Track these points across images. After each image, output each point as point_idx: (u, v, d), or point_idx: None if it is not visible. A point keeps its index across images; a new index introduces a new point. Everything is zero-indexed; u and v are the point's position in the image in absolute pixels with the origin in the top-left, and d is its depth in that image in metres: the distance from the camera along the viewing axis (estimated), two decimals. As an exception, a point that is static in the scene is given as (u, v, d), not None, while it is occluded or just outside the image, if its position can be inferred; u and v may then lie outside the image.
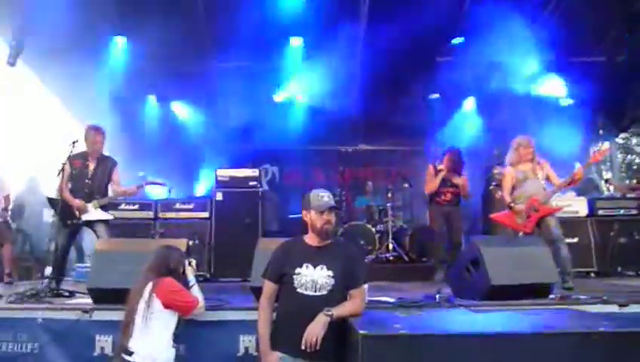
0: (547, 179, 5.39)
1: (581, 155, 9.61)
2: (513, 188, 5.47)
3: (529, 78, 8.72)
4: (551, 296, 4.30)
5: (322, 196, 3.12)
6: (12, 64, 6.96)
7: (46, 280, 4.96)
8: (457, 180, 6.69)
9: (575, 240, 6.99)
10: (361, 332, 2.55)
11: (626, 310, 3.95)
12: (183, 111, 9.81)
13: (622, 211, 7.36)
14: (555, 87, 9.09)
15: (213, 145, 9.77)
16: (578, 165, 5.41)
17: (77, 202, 5.12)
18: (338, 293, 3.01)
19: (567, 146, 8.90)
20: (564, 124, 9.03)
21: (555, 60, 8.34)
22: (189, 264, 3.63)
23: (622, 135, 15.10)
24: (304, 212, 3.18)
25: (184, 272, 3.53)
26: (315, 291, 2.99)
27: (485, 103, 9.41)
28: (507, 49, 7.90)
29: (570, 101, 9.33)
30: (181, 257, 3.54)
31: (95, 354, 3.77)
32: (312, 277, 3.01)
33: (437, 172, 6.72)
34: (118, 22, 7.70)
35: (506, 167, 5.61)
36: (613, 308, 3.97)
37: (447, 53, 8.45)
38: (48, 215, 8.06)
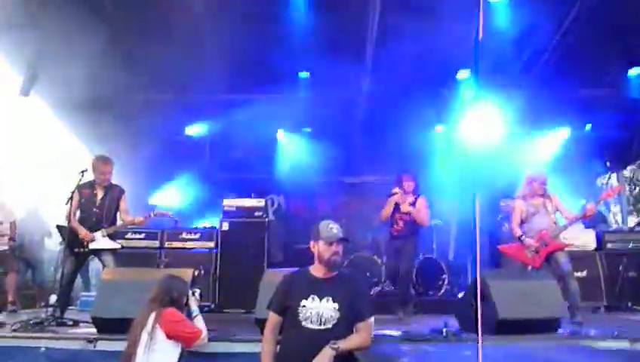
0: (557, 211, 5.37)
1: (588, 189, 9.62)
2: (522, 221, 5.44)
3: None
4: (559, 331, 4.23)
5: (332, 227, 3.13)
6: (26, 94, 7.10)
7: (50, 309, 4.95)
8: (408, 208, 5.88)
9: (584, 273, 6.90)
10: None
11: (637, 346, 3.87)
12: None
13: (631, 244, 7.28)
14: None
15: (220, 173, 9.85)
16: (591, 203, 5.36)
17: (84, 233, 5.15)
18: (343, 327, 2.98)
19: (574, 179, 8.93)
20: (571, 156, 9.10)
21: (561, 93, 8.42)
22: (193, 294, 3.62)
23: (629, 167, 15.09)
24: (312, 242, 3.18)
25: (187, 303, 3.52)
26: (320, 324, 2.96)
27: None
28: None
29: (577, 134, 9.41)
30: (184, 287, 3.54)
31: (98, 384, 3.73)
32: (318, 310, 2.98)
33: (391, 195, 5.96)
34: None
35: (516, 199, 5.57)
36: (625, 344, 3.90)
37: (452, 87, 8.52)
38: (49, 243, 8.10)
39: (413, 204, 5.90)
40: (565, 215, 5.37)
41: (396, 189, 5.93)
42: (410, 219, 5.88)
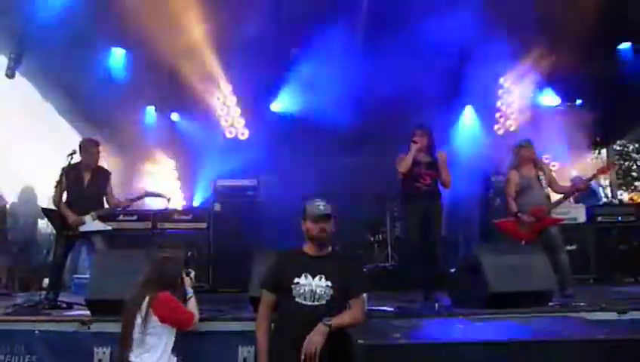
0: (549, 184, 5.40)
1: (579, 163, 9.68)
2: (516, 194, 5.46)
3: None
4: (550, 304, 4.30)
5: (318, 205, 3.12)
6: (11, 76, 6.98)
7: (44, 292, 4.95)
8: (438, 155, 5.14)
9: (574, 247, 7.01)
10: (361, 341, 2.54)
11: (625, 317, 3.95)
12: (182, 121, 9.76)
13: (620, 218, 7.38)
14: (551, 98, 9.17)
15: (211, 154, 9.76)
16: (583, 180, 5.41)
17: (72, 217, 5.11)
18: (337, 303, 3.00)
19: (565, 153, 8.98)
20: (562, 131, 9.12)
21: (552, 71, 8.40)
22: (188, 275, 3.61)
23: (619, 142, 15.20)
24: (302, 221, 3.18)
25: (182, 283, 3.51)
26: (314, 301, 2.98)
27: (484, 113, 9.44)
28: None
29: (567, 108, 9.43)
30: (178, 268, 3.53)
31: (93, 366, 3.74)
32: (311, 287, 3.00)
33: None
34: (117, 33, 7.70)
35: (510, 171, 5.57)
36: (613, 315, 3.97)
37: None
38: (43, 225, 8.05)
39: (431, 164, 5.14)
40: (555, 188, 5.41)
41: (416, 140, 5.08)
42: (436, 175, 5.11)
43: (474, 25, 6.82)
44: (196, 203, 9.09)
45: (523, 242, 5.27)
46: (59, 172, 5.11)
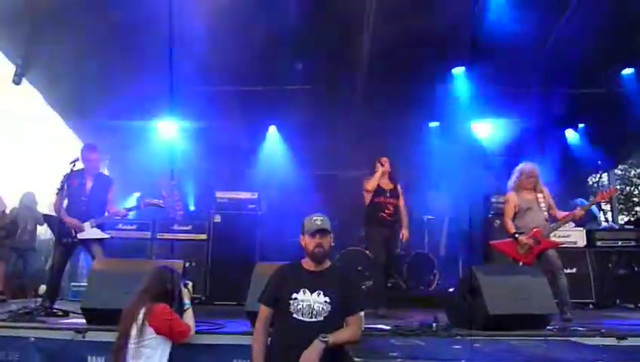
0: (548, 209, 5.38)
1: (580, 186, 9.68)
2: (515, 215, 5.44)
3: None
4: (549, 327, 4.27)
5: (315, 219, 3.12)
6: (18, 82, 7.03)
7: (40, 299, 4.92)
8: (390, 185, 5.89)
9: (573, 270, 6.97)
10: (357, 359, 2.53)
11: (624, 343, 3.91)
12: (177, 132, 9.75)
13: (620, 243, 7.35)
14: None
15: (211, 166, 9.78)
16: (581, 208, 5.38)
17: (72, 220, 5.11)
18: (334, 320, 2.99)
19: (566, 177, 8.99)
20: (563, 154, 9.15)
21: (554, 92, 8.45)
22: (185, 286, 3.60)
23: (620, 166, 15.22)
24: (300, 236, 3.18)
25: (179, 295, 3.50)
26: (312, 317, 2.96)
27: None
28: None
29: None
30: (177, 279, 3.51)
31: (87, 375, 3.71)
32: (309, 303, 2.99)
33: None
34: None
35: (509, 191, 5.55)
36: (612, 341, 3.93)
37: (449, 80, 8.51)
38: (42, 232, 8.04)
39: (394, 191, 5.88)
40: (554, 213, 5.39)
41: (381, 166, 5.83)
42: (397, 203, 5.85)
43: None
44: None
45: (521, 263, 5.25)
46: (60, 178, 5.12)
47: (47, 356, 3.75)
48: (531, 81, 8.22)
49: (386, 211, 5.78)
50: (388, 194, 5.85)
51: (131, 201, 7.30)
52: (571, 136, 9.65)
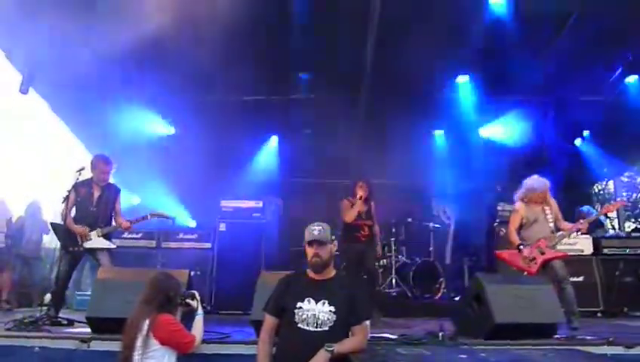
0: (554, 220, 5.34)
1: (586, 194, 9.63)
2: (521, 226, 5.40)
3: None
4: (556, 336, 4.23)
5: (313, 229, 3.12)
6: (24, 92, 7.08)
7: (45, 308, 4.93)
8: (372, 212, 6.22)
9: (580, 279, 6.90)
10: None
11: (632, 351, 3.87)
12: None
13: (627, 250, 7.29)
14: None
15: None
16: (586, 221, 5.35)
17: (80, 228, 5.13)
18: (340, 329, 2.97)
19: (572, 184, 8.95)
20: (569, 161, 9.12)
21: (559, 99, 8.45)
22: (194, 298, 3.56)
23: (627, 173, 15.12)
24: (304, 245, 3.18)
25: (183, 302, 3.48)
26: (317, 327, 2.95)
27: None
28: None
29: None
30: (179, 286, 3.50)
31: (92, 384, 3.70)
32: (314, 312, 2.97)
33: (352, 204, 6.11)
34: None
35: (518, 201, 5.50)
36: (620, 350, 3.89)
37: (452, 87, 8.52)
38: (48, 240, 8.06)
39: (368, 212, 6.20)
40: (559, 225, 5.35)
41: (360, 192, 6.06)
42: (372, 223, 6.21)
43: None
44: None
45: (525, 273, 5.21)
46: (67, 187, 5.13)
47: (52, 365, 3.74)
48: (536, 88, 8.21)
49: (362, 232, 6.11)
50: (364, 216, 6.14)
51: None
52: (577, 143, 9.63)
